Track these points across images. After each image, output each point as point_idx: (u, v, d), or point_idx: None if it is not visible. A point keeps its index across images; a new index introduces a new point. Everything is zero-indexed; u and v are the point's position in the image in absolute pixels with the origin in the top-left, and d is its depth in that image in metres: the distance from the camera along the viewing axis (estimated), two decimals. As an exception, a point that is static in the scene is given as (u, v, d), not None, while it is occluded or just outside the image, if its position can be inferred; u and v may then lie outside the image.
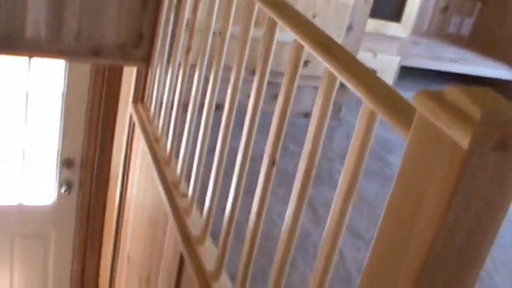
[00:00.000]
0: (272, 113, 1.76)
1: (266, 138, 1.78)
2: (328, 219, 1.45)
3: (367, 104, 1.25)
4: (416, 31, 5.29)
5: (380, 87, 1.24)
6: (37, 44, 3.16)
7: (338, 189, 1.40)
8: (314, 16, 3.51)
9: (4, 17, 3.03)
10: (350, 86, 1.29)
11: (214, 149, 2.24)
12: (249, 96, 1.93)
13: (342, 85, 1.39)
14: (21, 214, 4.58)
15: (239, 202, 2.06)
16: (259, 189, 1.83)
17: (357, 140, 1.30)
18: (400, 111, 1.14)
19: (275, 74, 1.77)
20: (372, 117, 1.26)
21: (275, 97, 1.77)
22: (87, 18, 3.14)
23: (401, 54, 4.73)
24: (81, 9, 3.11)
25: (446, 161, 0.96)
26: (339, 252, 2.68)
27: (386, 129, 3.65)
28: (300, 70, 1.67)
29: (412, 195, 1.05)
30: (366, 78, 1.28)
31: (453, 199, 0.95)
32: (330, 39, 1.48)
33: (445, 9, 5.54)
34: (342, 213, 1.39)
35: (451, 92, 0.96)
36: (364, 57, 4.22)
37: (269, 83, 1.89)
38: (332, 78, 1.43)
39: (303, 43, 1.57)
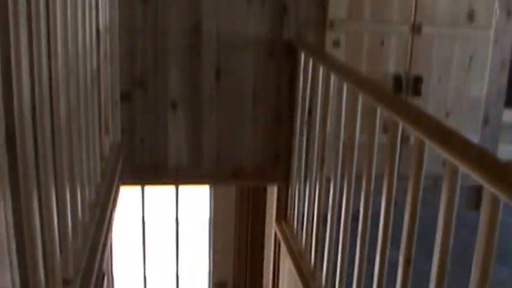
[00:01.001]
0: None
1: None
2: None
3: (487, 187, 1.22)
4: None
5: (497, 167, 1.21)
6: (180, 172, 3.34)
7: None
8: (447, 115, 3.48)
9: (149, 150, 3.25)
10: (474, 175, 1.27)
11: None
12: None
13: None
14: None
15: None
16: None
17: (483, 228, 1.26)
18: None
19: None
20: (495, 202, 1.23)
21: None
22: (224, 142, 3.30)
23: (546, 142, 4.52)
24: (218, 135, 3.28)
25: None
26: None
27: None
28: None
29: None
30: (488, 164, 1.25)
31: None
32: (450, 130, 1.47)
33: None
34: None
35: None
36: (506, 150, 4.08)
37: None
38: (453, 169, 1.41)
39: (423, 139, 1.57)
